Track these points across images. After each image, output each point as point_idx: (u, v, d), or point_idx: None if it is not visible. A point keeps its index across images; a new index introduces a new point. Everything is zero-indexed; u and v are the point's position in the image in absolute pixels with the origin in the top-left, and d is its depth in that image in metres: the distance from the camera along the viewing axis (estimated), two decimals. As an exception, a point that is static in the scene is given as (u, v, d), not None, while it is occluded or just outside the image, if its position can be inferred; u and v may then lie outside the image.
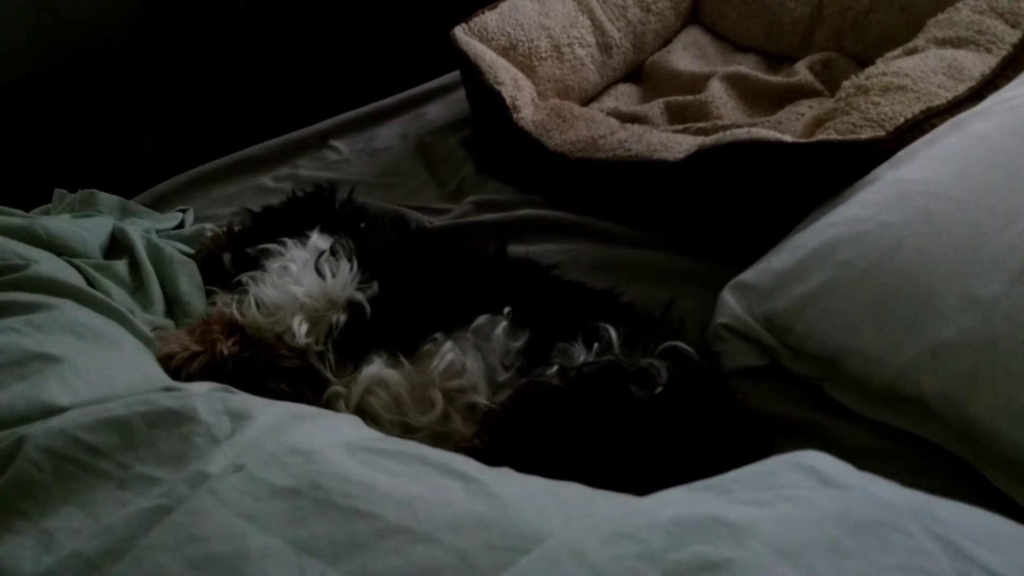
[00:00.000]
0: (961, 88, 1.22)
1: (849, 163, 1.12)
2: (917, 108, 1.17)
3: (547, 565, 0.50)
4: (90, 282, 1.06)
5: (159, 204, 1.56)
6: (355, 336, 1.02)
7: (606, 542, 0.49)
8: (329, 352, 1.02)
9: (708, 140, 1.28)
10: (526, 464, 0.69)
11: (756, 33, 1.93)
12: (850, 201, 1.06)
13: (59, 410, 0.76)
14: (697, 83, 1.79)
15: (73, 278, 1.03)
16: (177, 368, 0.98)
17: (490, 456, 0.71)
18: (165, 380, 0.90)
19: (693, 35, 2.02)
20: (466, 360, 0.95)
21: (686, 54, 1.94)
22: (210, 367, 1.00)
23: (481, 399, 0.93)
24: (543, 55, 1.73)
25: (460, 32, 1.68)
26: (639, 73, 1.97)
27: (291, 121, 1.82)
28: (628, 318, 0.98)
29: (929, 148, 1.06)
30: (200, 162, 1.70)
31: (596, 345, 0.91)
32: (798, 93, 1.67)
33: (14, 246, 1.03)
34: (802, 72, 1.72)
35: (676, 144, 1.36)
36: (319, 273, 1.06)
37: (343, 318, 1.03)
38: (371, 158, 1.74)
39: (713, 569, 0.45)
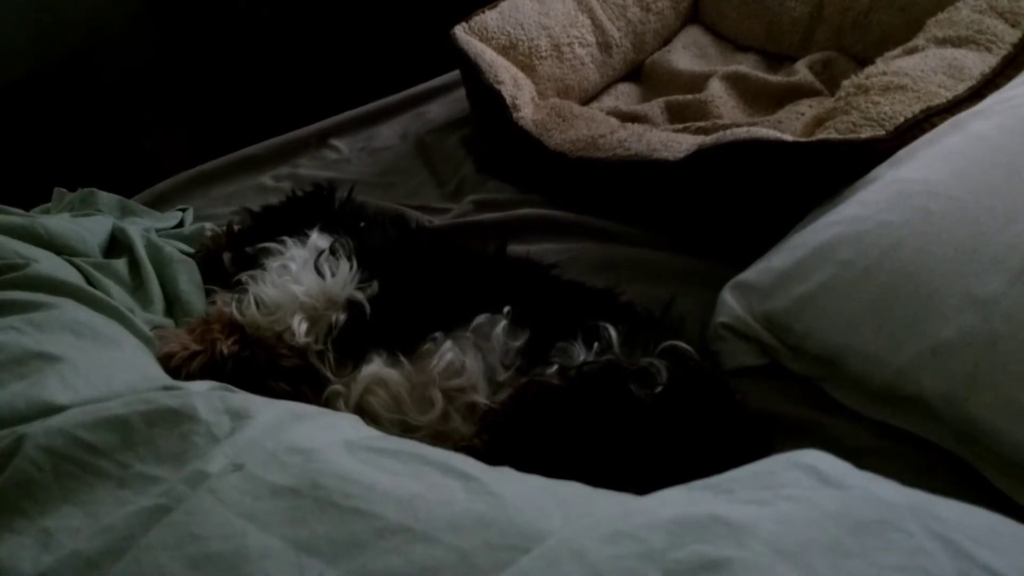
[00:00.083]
0: (961, 87, 1.22)
1: (849, 162, 1.12)
2: (917, 107, 1.17)
3: (547, 564, 0.50)
4: (90, 281, 1.06)
5: (159, 203, 1.56)
6: (355, 335, 1.02)
7: (606, 541, 0.49)
8: (329, 351, 1.02)
9: (708, 139, 1.28)
10: (526, 463, 0.69)
11: (756, 32, 1.93)
12: (850, 200, 1.06)
13: (59, 409, 0.76)
14: (697, 82, 1.79)
15: (73, 277, 1.03)
16: (177, 367, 0.98)
17: (490, 455, 0.71)
18: (165, 379, 0.90)
19: (693, 34, 2.02)
20: (466, 359, 0.95)
21: (686, 53, 1.94)
22: (210, 366, 1.00)
23: (481, 398, 0.93)
24: (543, 54, 1.73)
25: (460, 31, 1.68)
26: (639, 72, 1.96)
27: (291, 120, 1.82)
28: (628, 317, 0.98)
29: (929, 147, 1.06)
30: (200, 162, 1.70)
31: (596, 344, 0.90)
32: (798, 92, 1.67)
33: (14, 245, 1.03)
34: (802, 71, 1.72)
35: (676, 143, 1.36)
36: (319, 272, 1.06)
37: (343, 317, 1.03)
38: (371, 157, 1.74)
39: (713, 568, 0.45)
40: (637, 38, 1.90)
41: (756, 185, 1.23)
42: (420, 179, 1.66)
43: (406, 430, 0.95)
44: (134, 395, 0.78)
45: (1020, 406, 0.82)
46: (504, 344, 0.95)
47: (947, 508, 0.48)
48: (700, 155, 1.26)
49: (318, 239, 1.13)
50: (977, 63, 1.28)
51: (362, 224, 1.23)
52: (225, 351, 1.01)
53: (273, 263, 1.10)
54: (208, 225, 1.37)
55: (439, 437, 0.93)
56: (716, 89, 1.71)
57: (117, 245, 1.21)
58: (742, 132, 1.25)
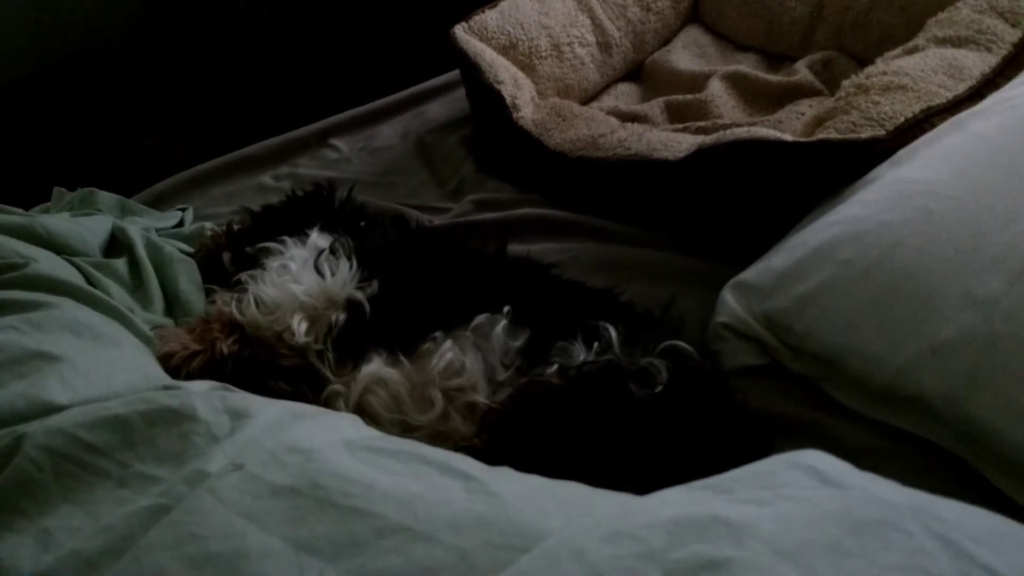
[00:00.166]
0: (961, 87, 1.22)
1: (849, 162, 1.12)
2: (917, 107, 1.17)
3: (547, 564, 0.50)
4: (89, 281, 1.06)
5: (159, 203, 1.56)
6: (354, 335, 1.02)
7: (606, 541, 0.49)
8: (328, 351, 1.02)
9: (708, 139, 1.28)
10: (526, 463, 0.69)
11: (756, 32, 1.93)
12: (850, 200, 1.06)
13: (58, 408, 0.76)
14: (697, 82, 1.79)
15: (72, 276, 1.03)
16: (177, 367, 0.98)
17: (490, 455, 0.71)
18: (164, 379, 0.90)
19: (693, 34, 2.02)
20: (466, 359, 0.95)
21: (686, 53, 1.94)
22: (209, 366, 0.99)
23: (481, 398, 0.93)
24: (543, 54, 1.73)
25: (460, 31, 1.68)
26: (639, 72, 1.96)
27: (291, 120, 1.82)
28: (628, 317, 0.98)
29: (929, 147, 1.06)
30: (200, 161, 1.70)
31: (596, 344, 0.90)
32: (798, 92, 1.67)
33: (14, 244, 1.03)
34: (802, 71, 1.72)
35: (676, 143, 1.36)
36: (318, 272, 1.06)
37: (342, 317, 1.03)
38: (371, 157, 1.74)
39: (713, 568, 0.45)
40: (637, 38, 1.90)
41: (756, 185, 1.23)
42: (420, 179, 1.66)
43: (406, 430, 0.95)
44: (134, 395, 0.78)
45: (1020, 406, 0.82)
46: (504, 344, 0.95)
47: (947, 508, 0.48)
48: (700, 155, 1.26)
49: (318, 239, 1.13)
50: (977, 63, 1.28)
51: (362, 224, 1.23)
52: (225, 351, 1.01)
53: (273, 263, 1.10)
54: (208, 225, 1.37)
55: (439, 437, 0.93)
56: (716, 89, 1.71)
57: (117, 245, 1.21)
58: (742, 132, 1.25)
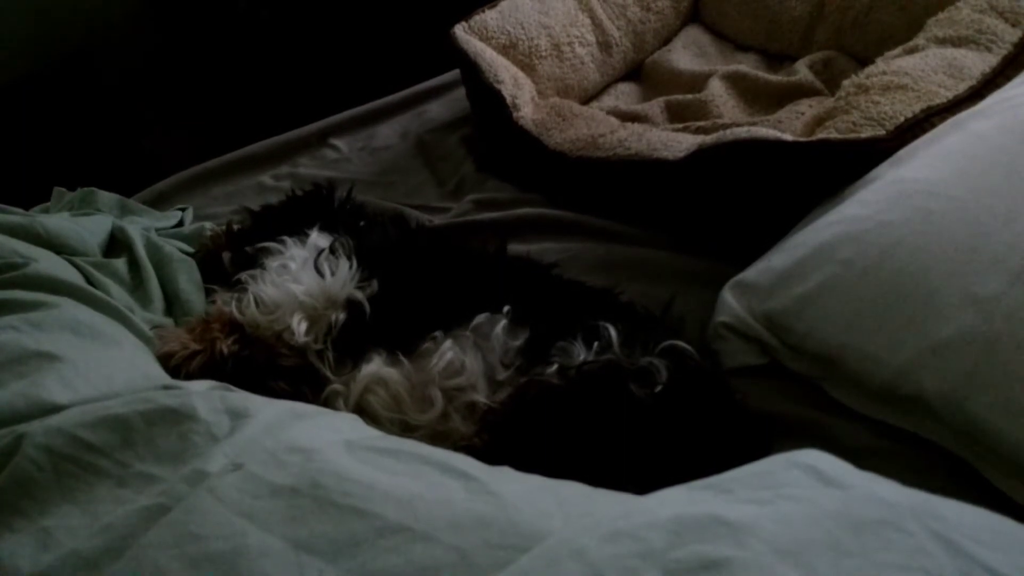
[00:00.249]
0: (961, 87, 1.22)
1: (849, 162, 1.12)
2: (917, 107, 1.17)
3: (547, 564, 0.50)
4: (89, 280, 1.06)
5: (159, 202, 1.56)
6: (354, 334, 1.02)
7: (606, 541, 0.49)
8: (328, 350, 1.02)
9: (708, 139, 1.28)
10: (526, 463, 0.69)
11: (756, 32, 1.93)
12: (850, 200, 1.06)
13: (58, 408, 0.76)
14: (697, 82, 1.79)
15: (72, 276, 1.03)
16: (176, 366, 0.98)
17: (490, 455, 0.71)
18: (164, 378, 0.90)
19: (693, 34, 2.02)
20: (465, 359, 0.95)
21: (686, 53, 1.94)
22: (209, 365, 1.00)
23: (481, 398, 0.93)
24: (543, 54, 1.73)
25: (460, 30, 1.68)
26: (639, 72, 1.96)
27: (291, 120, 1.82)
28: (628, 317, 0.98)
29: (929, 147, 1.06)
30: (200, 161, 1.70)
31: (596, 344, 0.90)
32: (798, 92, 1.67)
33: (13, 244, 1.03)
34: (802, 71, 1.72)
35: (676, 143, 1.36)
36: (318, 271, 1.06)
37: (342, 316, 1.03)
38: (371, 156, 1.74)
39: (713, 568, 0.45)
40: (637, 37, 1.90)
41: (756, 185, 1.23)
42: (420, 178, 1.65)
43: (406, 429, 0.95)
44: (134, 394, 0.78)
45: (1020, 406, 0.82)
46: (504, 343, 0.95)
47: (948, 508, 0.48)
48: (700, 155, 1.26)
49: (318, 238, 1.13)
50: (977, 63, 1.28)
51: (362, 223, 1.23)
52: (225, 350, 1.01)
53: (273, 262, 1.10)
54: (208, 224, 1.37)
55: (439, 436, 0.93)
56: (716, 88, 1.71)
57: (117, 244, 1.21)
58: (742, 132, 1.25)
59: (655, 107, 1.73)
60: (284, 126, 1.81)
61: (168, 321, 1.11)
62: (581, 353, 0.90)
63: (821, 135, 1.20)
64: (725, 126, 1.49)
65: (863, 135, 1.15)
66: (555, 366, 0.89)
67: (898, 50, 1.39)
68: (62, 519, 0.65)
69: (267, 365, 1.02)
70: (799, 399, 1.01)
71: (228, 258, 1.21)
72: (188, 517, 0.61)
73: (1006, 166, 0.96)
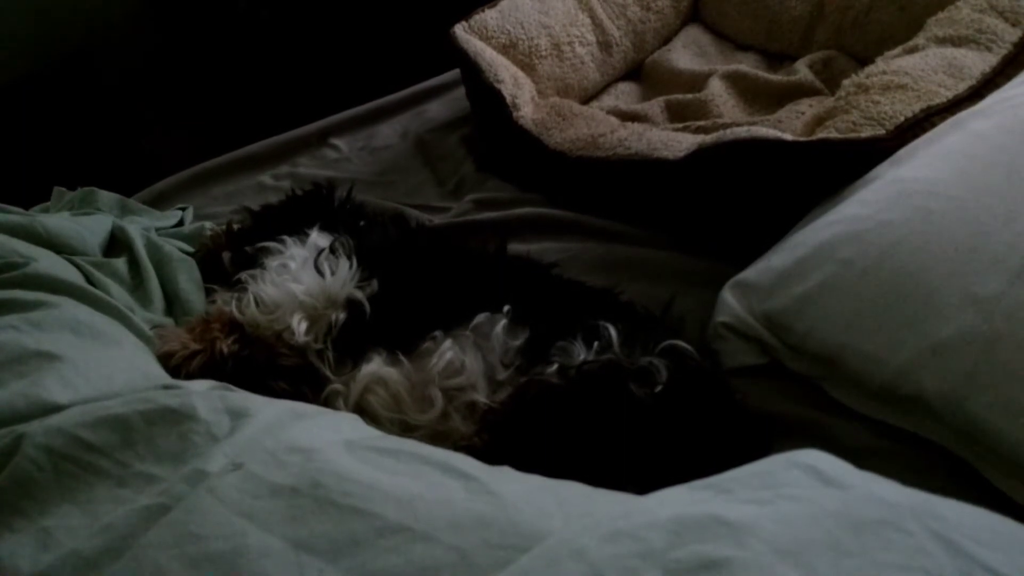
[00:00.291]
0: (961, 87, 1.22)
1: (849, 162, 1.12)
2: (917, 107, 1.17)
3: (547, 563, 0.50)
4: (89, 280, 1.06)
5: (159, 202, 1.56)
6: (354, 334, 1.02)
7: (606, 541, 0.49)
8: (328, 350, 1.02)
9: (708, 138, 1.28)
10: (526, 463, 0.69)
11: (756, 31, 1.93)
12: (850, 200, 1.06)
13: (58, 408, 0.76)
14: (697, 81, 1.79)
15: (72, 276, 1.03)
16: (176, 366, 0.98)
17: (490, 455, 0.71)
18: (164, 378, 0.90)
19: (693, 33, 2.02)
20: (465, 358, 0.95)
21: (686, 52, 1.94)
22: (209, 365, 1.00)
23: (480, 397, 0.93)
24: (543, 53, 1.73)
25: (460, 30, 1.68)
26: (639, 71, 1.96)
27: (291, 120, 1.82)
28: (628, 317, 0.98)
29: (929, 147, 1.06)
30: (200, 161, 1.70)
31: (596, 344, 0.90)
32: (798, 92, 1.67)
33: (14, 244, 1.03)
34: (802, 71, 1.72)
35: (676, 142, 1.36)
36: (318, 271, 1.06)
37: (342, 316, 1.03)
38: (371, 156, 1.74)
39: (713, 568, 0.45)
40: (637, 37, 1.90)
41: (756, 184, 1.23)
42: (420, 178, 1.65)
43: (406, 429, 0.95)
44: (134, 394, 0.78)
45: (1020, 406, 0.81)
46: (504, 343, 0.95)
47: (948, 508, 0.48)
48: (700, 154, 1.26)
49: (318, 238, 1.13)
50: (977, 62, 1.28)
51: (362, 223, 1.23)
52: (225, 350, 1.01)
53: (273, 262, 1.10)
54: (208, 224, 1.37)
55: (439, 436, 0.93)
56: (716, 88, 1.71)
57: (117, 244, 1.21)
58: (742, 131, 1.25)
59: (655, 107, 1.73)
60: (284, 126, 1.81)
61: (168, 321, 1.11)
62: (581, 353, 0.90)
63: (821, 135, 1.20)
64: (725, 126, 1.49)
65: (863, 135, 1.15)
66: (555, 366, 0.89)
67: (898, 50, 1.39)
68: (62, 519, 0.65)
69: (267, 365, 1.02)
70: (799, 399, 1.01)
71: (228, 258, 1.21)
72: (188, 517, 0.61)
73: (1006, 166, 0.96)
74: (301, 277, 1.06)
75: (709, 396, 0.90)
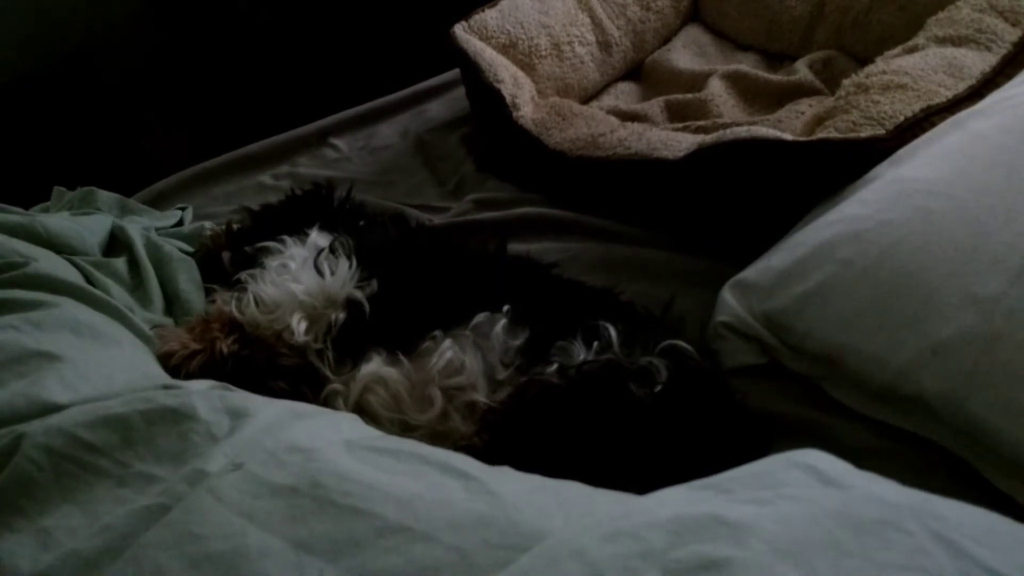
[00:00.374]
0: (961, 86, 1.22)
1: (849, 161, 1.12)
2: (917, 106, 1.17)
3: (547, 563, 0.50)
4: (89, 280, 1.06)
5: (158, 202, 1.56)
6: (354, 334, 1.02)
7: (606, 540, 0.49)
8: (328, 350, 1.02)
9: (708, 138, 1.28)
10: (526, 462, 0.69)
11: (756, 31, 1.93)
12: (850, 199, 1.06)
13: (58, 408, 0.76)
14: (697, 81, 1.79)
15: (72, 276, 1.03)
16: (176, 366, 0.98)
17: (490, 454, 0.71)
18: (164, 378, 0.90)
19: (693, 33, 2.02)
20: (465, 358, 0.95)
21: (686, 52, 1.94)
22: (209, 365, 0.99)
23: (480, 397, 0.93)
24: (543, 53, 1.73)
25: (460, 30, 1.68)
26: (639, 71, 1.96)
27: (291, 119, 1.82)
28: (628, 317, 0.98)
29: (929, 146, 1.06)
30: (200, 161, 1.70)
31: (596, 343, 0.90)
32: (798, 91, 1.67)
33: (13, 244, 1.03)
34: (802, 71, 1.72)
35: (676, 142, 1.36)
36: (318, 271, 1.06)
37: (342, 316, 1.03)
38: (371, 156, 1.74)
39: (713, 568, 0.45)
40: (637, 37, 1.90)
41: (756, 184, 1.23)
42: (420, 178, 1.65)
43: (405, 429, 0.95)
44: (134, 394, 0.78)
45: (1020, 406, 0.81)
46: (504, 343, 0.95)
47: (948, 508, 0.48)
48: (700, 154, 1.26)
49: (317, 238, 1.13)
50: (977, 62, 1.28)
51: (361, 223, 1.23)
52: (224, 350, 1.01)
53: (272, 262, 1.10)
54: (207, 224, 1.37)
55: (439, 436, 0.93)
56: (716, 88, 1.71)
57: (116, 244, 1.21)
58: (742, 131, 1.25)
59: (655, 106, 1.73)
60: (284, 126, 1.80)
61: (168, 321, 1.11)
62: (581, 353, 0.90)
63: (821, 134, 1.20)
64: (725, 125, 1.49)
65: (863, 134, 1.15)
66: (555, 366, 0.89)
67: (898, 49, 1.39)
68: (62, 519, 0.65)
69: (267, 365, 1.02)
70: (799, 399, 1.01)
71: (228, 258, 1.21)
72: (188, 517, 0.61)
73: (1006, 165, 0.96)
74: (301, 277, 1.06)
75: (709, 396, 0.89)
